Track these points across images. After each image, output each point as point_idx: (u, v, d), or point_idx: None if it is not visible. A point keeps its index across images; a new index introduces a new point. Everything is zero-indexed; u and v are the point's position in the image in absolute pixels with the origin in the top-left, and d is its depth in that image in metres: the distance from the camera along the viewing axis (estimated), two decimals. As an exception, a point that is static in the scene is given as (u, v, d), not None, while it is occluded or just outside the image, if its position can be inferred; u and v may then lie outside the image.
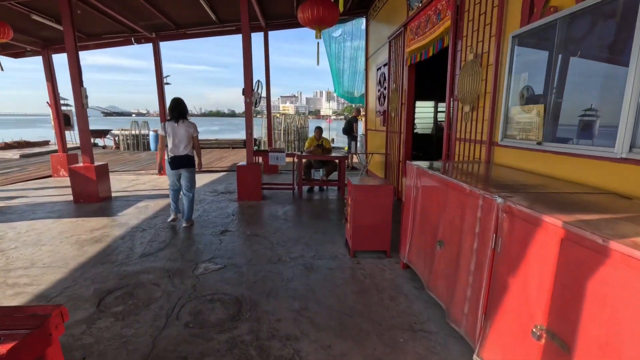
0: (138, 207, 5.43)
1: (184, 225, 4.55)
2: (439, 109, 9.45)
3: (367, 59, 8.99)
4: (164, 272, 3.19)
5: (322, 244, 3.91)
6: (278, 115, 14.86)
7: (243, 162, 6.07)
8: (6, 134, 21.76)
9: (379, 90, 7.74)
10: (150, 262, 3.39)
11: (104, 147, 16.13)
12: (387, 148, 6.84)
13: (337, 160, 6.68)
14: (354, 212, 3.46)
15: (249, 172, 5.85)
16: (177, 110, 4.45)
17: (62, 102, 16.42)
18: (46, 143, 16.22)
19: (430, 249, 2.61)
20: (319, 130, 7.06)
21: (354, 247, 3.56)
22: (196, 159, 4.61)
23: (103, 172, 5.93)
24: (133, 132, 15.02)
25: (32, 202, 5.84)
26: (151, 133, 14.96)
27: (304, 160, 6.59)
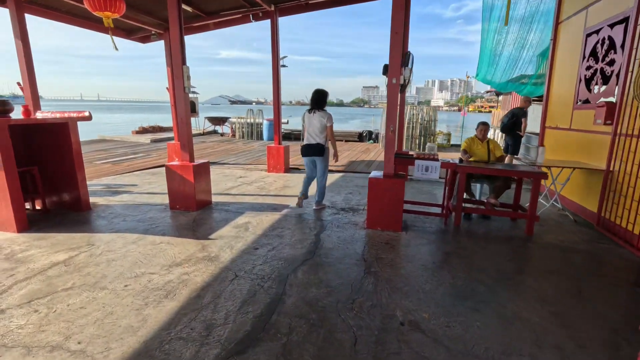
0: (237, 226, 4.07)
1: (314, 207, 4.78)
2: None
3: (557, 24, 6.10)
4: None
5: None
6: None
7: (377, 173, 4.19)
8: (144, 119, 24.56)
9: (588, 68, 4.93)
10: (232, 383, 1.78)
11: (222, 134, 16.40)
12: (610, 162, 4.13)
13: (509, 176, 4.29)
14: None
15: (388, 190, 3.94)
16: (313, 101, 4.57)
17: (187, 89, 17.34)
18: (175, 128, 17.32)
19: None
20: (484, 127, 4.75)
21: None
22: (331, 148, 4.63)
23: (203, 173, 4.79)
24: (248, 120, 14.73)
25: (131, 201, 5.06)
26: (264, 122, 14.42)
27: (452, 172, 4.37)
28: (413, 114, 11.90)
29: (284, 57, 7.66)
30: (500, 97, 25.67)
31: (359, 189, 6.10)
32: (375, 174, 4.13)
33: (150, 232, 3.84)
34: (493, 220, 4.60)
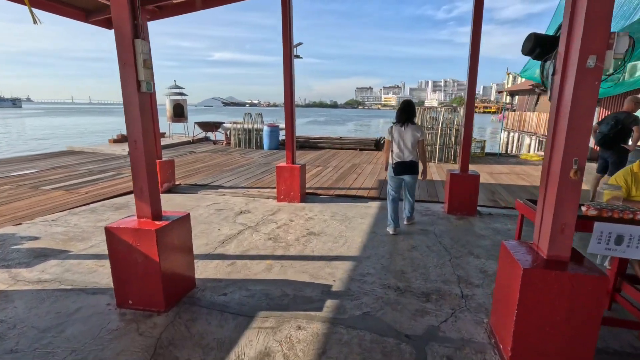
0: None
1: (405, 223, 4.40)
2: None
3: None
4: None
5: None
6: (430, 107, 10.61)
7: (523, 254, 2.10)
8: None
9: None
10: None
11: (215, 142, 14.20)
12: None
13: None
14: None
15: (570, 301, 1.86)
16: (406, 114, 4.03)
17: (173, 90, 15.06)
18: (161, 136, 15.01)
19: None
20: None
21: None
22: (421, 166, 4.11)
23: (178, 236, 2.67)
24: (245, 125, 12.58)
25: (58, 278, 2.93)
26: (265, 128, 12.29)
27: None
28: (447, 118, 9.87)
29: (299, 44, 5.58)
30: (516, 98, 23.82)
31: (423, 237, 4.02)
32: (522, 255, 2.04)
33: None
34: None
